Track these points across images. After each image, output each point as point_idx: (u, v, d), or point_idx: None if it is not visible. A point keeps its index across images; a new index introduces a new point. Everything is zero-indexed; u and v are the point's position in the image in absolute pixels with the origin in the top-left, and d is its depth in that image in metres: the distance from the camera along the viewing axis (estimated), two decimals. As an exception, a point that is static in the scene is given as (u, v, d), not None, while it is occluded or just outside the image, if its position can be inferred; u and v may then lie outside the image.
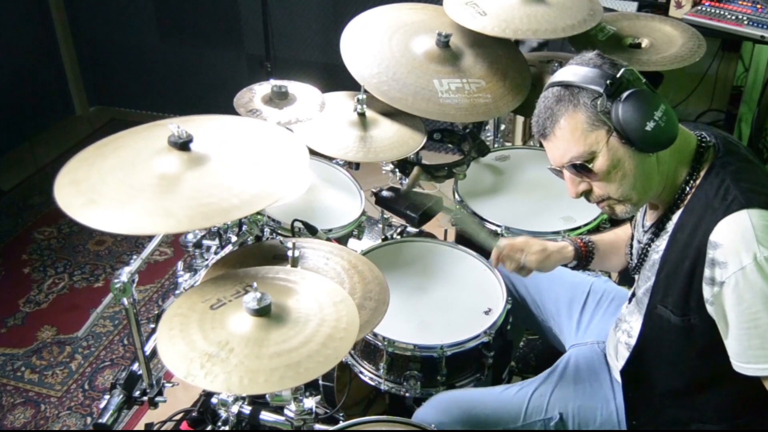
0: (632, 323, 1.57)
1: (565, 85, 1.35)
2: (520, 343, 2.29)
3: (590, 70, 1.34)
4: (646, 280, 1.48)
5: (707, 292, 1.31)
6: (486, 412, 1.65)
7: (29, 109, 3.94)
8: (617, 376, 1.62)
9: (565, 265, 1.76)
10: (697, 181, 1.36)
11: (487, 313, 1.83)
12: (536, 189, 2.31)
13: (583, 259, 1.75)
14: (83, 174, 1.39)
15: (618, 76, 1.31)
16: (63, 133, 4.05)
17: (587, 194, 1.42)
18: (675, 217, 1.39)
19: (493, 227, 2.11)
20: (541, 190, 2.30)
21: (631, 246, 1.61)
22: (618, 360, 1.62)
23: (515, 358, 2.11)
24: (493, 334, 1.77)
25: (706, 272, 1.29)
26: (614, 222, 2.01)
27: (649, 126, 1.28)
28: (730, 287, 1.27)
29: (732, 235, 1.26)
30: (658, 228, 1.44)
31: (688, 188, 1.38)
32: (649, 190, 1.39)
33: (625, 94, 1.30)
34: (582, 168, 1.36)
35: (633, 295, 1.58)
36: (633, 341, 1.54)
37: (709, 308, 1.32)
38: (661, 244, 1.42)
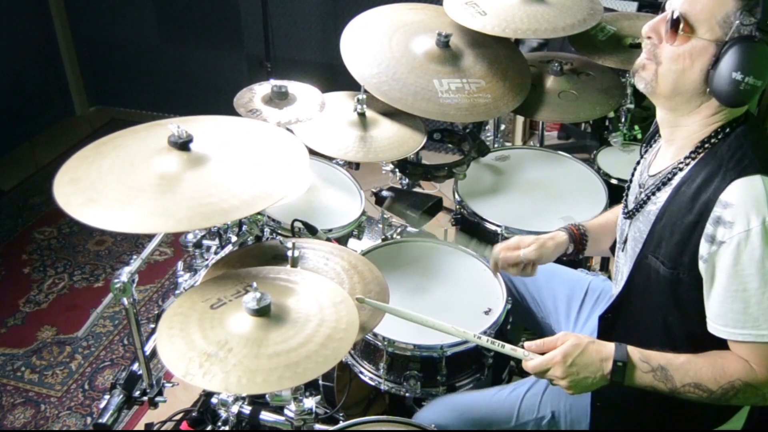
0: (623, 272, 1.57)
1: None
2: (520, 343, 2.28)
3: None
4: (637, 230, 1.48)
5: (704, 248, 1.30)
6: (480, 415, 1.65)
7: (29, 109, 3.95)
8: None
9: (565, 254, 1.76)
10: (717, 142, 1.36)
11: (487, 313, 1.83)
12: (536, 189, 2.31)
13: (578, 242, 1.75)
14: (83, 172, 1.40)
15: None
16: (63, 133, 4.05)
17: (650, 40, 1.38)
18: (685, 171, 1.38)
19: (493, 227, 2.11)
20: (541, 190, 2.30)
21: (628, 191, 1.60)
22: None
23: (515, 358, 2.11)
24: (493, 334, 1.77)
25: (708, 229, 1.29)
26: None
27: (734, 75, 1.26)
28: (730, 247, 1.27)
29: (744, 197, 1.26)
30: (666, 179, 1.43)
31: (708, 144, 1.37)
32: (677, 99, 1.37)
33: (755, 41, 1.25)
34: (675, 25, 1.32)
35: (624, 242, 1.57)
36: (619, 288, 1.54)
37: (702, 265, 1.32)
38: (663, 196, 1.41)
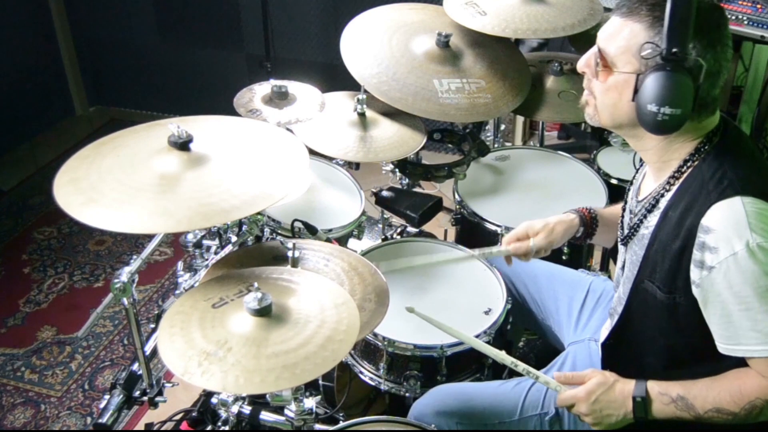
0: (623, 297, 1.57)
1: (664, 7, 1.25)
2: (520, 343, 2.28)
3: (685, 24, 1.24)
4: (633, 254, 1.48)
5: (695, 274, 1.30)
6: (483, 405, 1.65)
7: (29, 109, 3.94)
8: None
9: (574, 237, 1.76)
10: (697, 162, 1.35)
11: (487, 313, 1.83)
12: (536, 189, 2.31)
13: (588, 225, 1.75)
14: (83, 172, 1.40)
15: (684, 55, 1.25)
16: (63, 133, 4.05)
17: (585, 75, 1.42)
18: (669, 195, 1.38)
19: (493, 227, 2.11)
20: (541, 190, 2.30)
21: (623, 216, 1.60)
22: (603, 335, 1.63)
23: (515, 358, 2.11)
24: (493, 334, 1.77)
25: (696, 255, 1.29)
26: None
27: (650, 108, 1.27)
28: (720, 272, 1.26)
29: (725, 221, 1.26)
30: (651, 204, 1.43)
31: (686, 167, 1.36)
32: (624, 129, 1.41)
33: (665, 70, 1.25)
34: (600, 61, 1.36)
35: (623, 267, 1.57)
36: (617, 315, 1.54)
37: (695, 290, 1.32)
38: (653, 220, 1.41)
